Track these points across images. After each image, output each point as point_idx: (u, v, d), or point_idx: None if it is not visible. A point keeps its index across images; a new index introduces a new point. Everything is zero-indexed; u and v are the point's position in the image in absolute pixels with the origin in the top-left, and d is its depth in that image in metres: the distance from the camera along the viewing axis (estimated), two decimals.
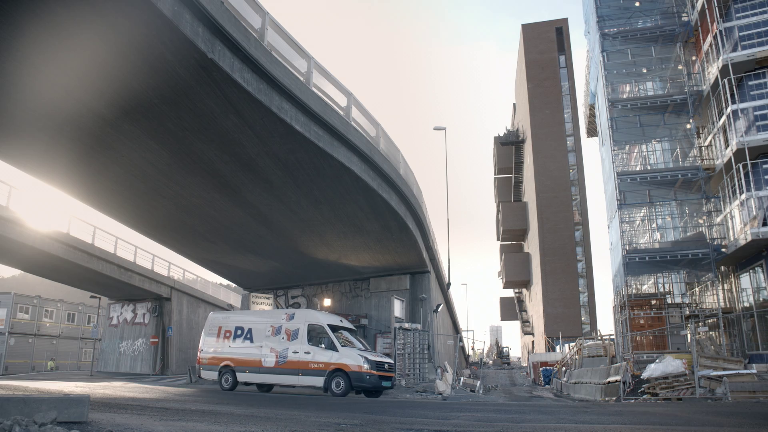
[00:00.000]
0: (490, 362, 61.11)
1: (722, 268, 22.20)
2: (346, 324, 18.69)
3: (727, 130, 20.02)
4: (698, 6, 22.19)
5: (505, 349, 64.59)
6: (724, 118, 20.18)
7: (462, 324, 59.43)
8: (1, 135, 15.85)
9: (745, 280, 21.06)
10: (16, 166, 18.27)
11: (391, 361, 16.97)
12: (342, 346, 16.56)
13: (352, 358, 16.02)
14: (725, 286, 22.65)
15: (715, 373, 14.21)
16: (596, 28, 25.02)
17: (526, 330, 53.97)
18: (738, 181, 19.28)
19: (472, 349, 65.08)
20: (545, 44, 47.00)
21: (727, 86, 19.65)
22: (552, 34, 47.22)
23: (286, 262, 28.30)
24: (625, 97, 26.41)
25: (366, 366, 15.78)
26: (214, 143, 16.03)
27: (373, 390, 16.26)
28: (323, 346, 16.71)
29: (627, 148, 27.77)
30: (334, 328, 17.32)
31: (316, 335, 17.12)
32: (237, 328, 19.03)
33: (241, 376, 18.22)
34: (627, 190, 23.45)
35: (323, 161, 17.33)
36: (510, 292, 59.95)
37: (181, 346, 35.53)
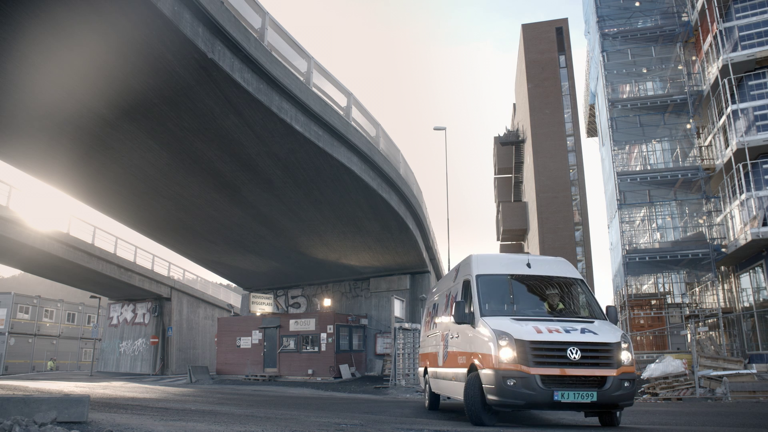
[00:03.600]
0: None
1: (722, 268, 22.20)
2: (549, 269, 8.74)
3: (727, 130, 20.01)
4: (698, 6, 22.18)
5: None
6: (724, 118, 20.17)
7: None
8: (1, 135, 15.86)
9: (745, 280, 21.06)
10: (16, 166, 18.28)
11: (603, 339, 7.12)
12: (498, 313, 7.76)
13: (485, 339, 7.24)
14: (725, 286, 22.65)
15: (715, 373, 14.21)
16: (596, 28, 25.01)
17: None
18: (738, 181, 19.27)
19: None
20: (545, 44, 46.96)
21: (727, 86, 19.64)
22: (552, 34, 47.19)
23: (286, 262, 28.32)
24: (625, 97, 26.40)
25: (505, 356, 6.87)
26: (214, 143, 16.04)
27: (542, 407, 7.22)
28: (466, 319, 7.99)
29: (627, 148, 27.75)
30: (509, 280, 8.32)
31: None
32: (434, 305, 11.49)
33: (432, 383, 10.53)
34: (627, 190, 23.44)
35: (323, 161, 17.33)
36: None
37: (181, 346, 35.52)
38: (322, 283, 31.10)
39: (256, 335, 28.26)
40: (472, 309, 7.87)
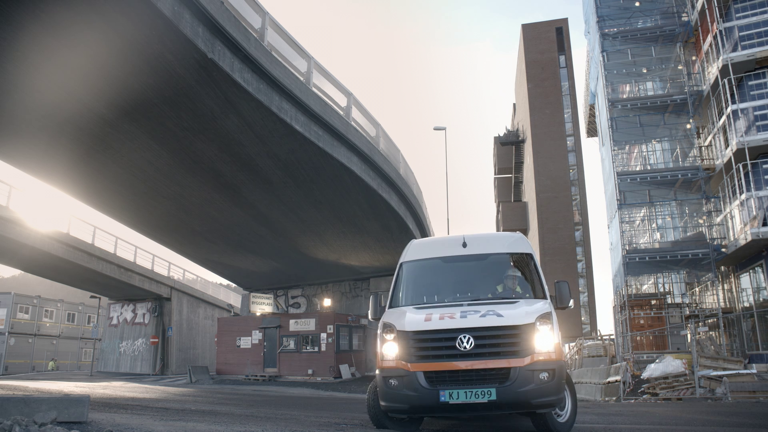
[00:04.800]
0: None
1: (722, 268, 22.19)
2: (487, 247, 7.19)
3: (727, 130, 20.00)
4: (698, 6, 22.17)
5: None
6: (724, 118, 20.17)
7: None
8: (1, 135, 15.87)
9: (745, 280, 21.05)
10: (16, 166, 18.28)
11: (508, 322, 5.61)
12: (408, 303, 6.69)
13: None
14: (725, 286, 22.64)
15: (715, 373, 14.21)
16: (596, 28, 25.01)
17: None
18: (738, 181, 19.26)
19: None
20: (545, 44, 47.02)
21: (727, 86, 19.63)
22: (552, 34, 47.23)
23: (286, 262, 28.31)
24: (625, 97, 26.40)
25: (389, 352, 5.87)
26: (214, 143, 16.04)
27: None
28: None
29: (627, 148, 27.75)
30: (437, 264, 7.15)
31: None
32: None
33: None
34: (627, 190, 23.43)
35: (323, 161, 17.33)
36: None
37: (181, 346, 35.53)
38: (322, 283, 31.10)
39: (256, 335, 28.26)
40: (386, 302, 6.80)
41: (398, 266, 7.09)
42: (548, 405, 5.48)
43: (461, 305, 6.06)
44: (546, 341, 5.49)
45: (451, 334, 5.53)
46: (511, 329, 5.52)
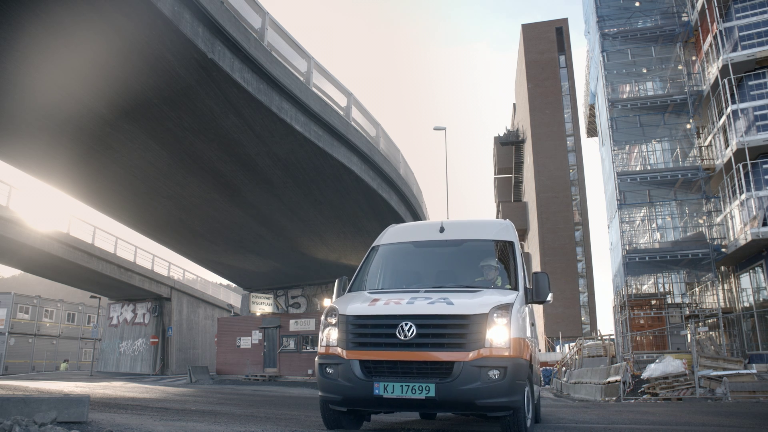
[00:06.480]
0: None
1: (722, 268, 22.19)
2: (465, 233, 6.71)
3: (727, 130, 20.01)
4: (698, 6, 22.18)
5: None
6: (724, 118, 20.18)
7: None
8: (1, 135, 15.86)
9: (745, 280, 21.06)
10: (16, 166, 18.28)
11: (457, 311, 4.96)
12: (369, 288, 6.30)
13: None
14: (725, 286, 22.65)
15: (715, 373, 14.23)
16: (596, 28, 25.02)
17: None
18: (738, 181, 19.27)
19: None
20: (545, 44, 47.05)
21: (727, 86, 19.64)
22: (552, 34, 47.25)
23: (286, 262, 28.31)
24: (625, 97, 26.41)
25: (330, 337, 5.31)
26: (214, 143, 16.04)
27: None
28: None
29: (627, 148, 27.77)
30: (408, 248, 6.86)
31: None
32: None
33: None
34: (627, 190, 23.45)
35: (323, 161, 17.33)
36: None
37: (181, 346, 35.54)
38: (322, 283, 31.09)
39: (256, 335, 28.27)
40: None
41: (369, 250, 6.72)
42: (497, 407, 4.85)
43: (417, 291, 5.54)
44: (500, 335, 4.82)
45: (392, 321, 4.99)
46: (458, 319, 4.90)
